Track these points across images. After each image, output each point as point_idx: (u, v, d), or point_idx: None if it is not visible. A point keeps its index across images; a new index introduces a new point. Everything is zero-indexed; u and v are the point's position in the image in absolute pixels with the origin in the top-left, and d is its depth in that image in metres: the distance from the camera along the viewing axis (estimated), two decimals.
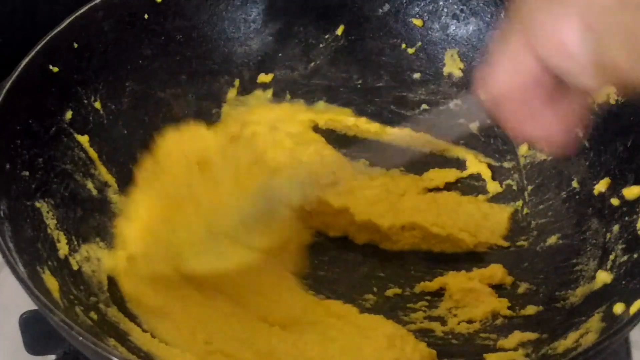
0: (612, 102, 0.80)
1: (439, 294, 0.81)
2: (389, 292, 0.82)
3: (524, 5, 0.51)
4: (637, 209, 0.75)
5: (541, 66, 0.50)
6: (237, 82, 0.97)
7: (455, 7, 0.94)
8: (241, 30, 0.97)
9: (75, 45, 0.85)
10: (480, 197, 0.90)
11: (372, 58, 0.98)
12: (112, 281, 0.79)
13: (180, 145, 0.90)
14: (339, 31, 0.98)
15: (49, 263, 0.73)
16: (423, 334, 0.78)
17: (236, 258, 0.79)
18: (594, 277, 0.74)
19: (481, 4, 0.92)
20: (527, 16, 0.51)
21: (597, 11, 0.46)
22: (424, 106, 0.97)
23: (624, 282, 0.71)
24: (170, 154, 0.89)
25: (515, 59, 0.52)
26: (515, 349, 0.74)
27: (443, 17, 0.95)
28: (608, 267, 0.74)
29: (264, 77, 0.98)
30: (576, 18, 0.47)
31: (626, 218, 0.75)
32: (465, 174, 0.92)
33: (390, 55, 0.97)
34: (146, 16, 0.91)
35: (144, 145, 0.90)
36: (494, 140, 0.93)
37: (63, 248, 0.77)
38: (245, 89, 0.98)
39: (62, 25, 0.83)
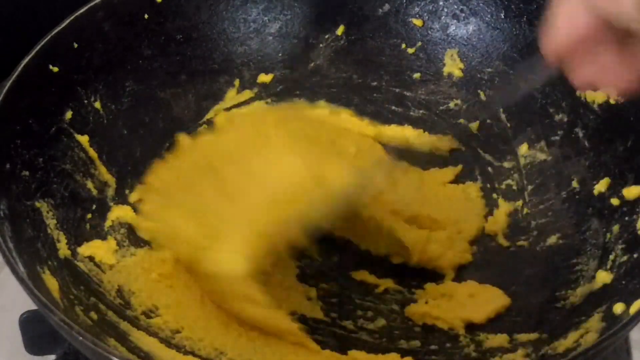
0: (612, 102, 0.80)
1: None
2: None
3: None
4: (637, 209, 0.75)
5: (599, 17, 0.54)
6: (237, 82, 0.97)
7: (455, 7, 0.94)
8: (241, 30, 0.97)
9: (75, 45, 0.85)
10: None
11: (372, 58, 0.98)
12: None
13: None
14: (339, 31, 0.98)
15: (49, 263, 0.73)
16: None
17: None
18: (594, 277, 0.74)
19: (481, 4, 0.92)
20: None
21: None
22: (424, 106, 0.97)
23: (624, 282, 0.71)
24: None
25: (572, 13, 0.55)
26: (515, 349, 0.74)
27: (443, 17, 0.95)
28: (608, 267, 0.74)
29: (264, 77, 0.98)
30: None
31: (626, 218, 0.75)
32: (459, 168, 0.93)
33: (390, 55, 0.97)
34: (146, 16, 0.91)
35: (144, 145, 0.91)
36: (494, 140, 0.93)
37: (63, 248, 0.77)
38: (245, 89, 0.98)
39: (62, 25, 0.83)
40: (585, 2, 0.55)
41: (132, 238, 0.84)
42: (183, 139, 0.87)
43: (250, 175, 0.79)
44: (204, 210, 0.76)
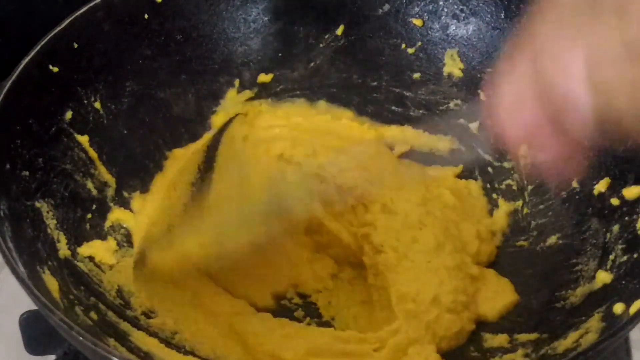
0: None
1: None
2: None
3: (535, 35, 0.50)
4: (637, 209, 0.75)
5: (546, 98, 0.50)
6: (237, 82, 0.97)
7: (455, 7, 0.94)
8: (241, 30, 0.97)
9: (75, 45, 0.85)
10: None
11: (372, 58, 0.98)
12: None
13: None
14: (339, 31, 0.98)
15: (49, 263, 0.73)
16: None
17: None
18: (594, 277, 0.74)
19: (481, 4, 0.92)
20: (537, 50, 0.51)
21: (605, 64, 0.46)
22: (424, 106, 0.97)
23: (624, 282, 0.71)
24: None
25: (522, 90, 0.52)
26: (515, 349, 0.74)
27: (443, 17, 0.95)
28: (608, 267, 0.74)
29: (264, 77, 0.98)
30: (583, 69, 0.47)
31: (626, 218, 0.75)
32: (459, 168, 0.92)
33: (390, 55, 0.97)
34: (146, 16, 0.91)
35: (144, 146, 0.91)
36: (494, 140, 0.93)
37: (63, 248, 0.77)
38: (245, 89, 0.98)
39: (62, 25, 0.83)
40: (534, 75, 0.50)
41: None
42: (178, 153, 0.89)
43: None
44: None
